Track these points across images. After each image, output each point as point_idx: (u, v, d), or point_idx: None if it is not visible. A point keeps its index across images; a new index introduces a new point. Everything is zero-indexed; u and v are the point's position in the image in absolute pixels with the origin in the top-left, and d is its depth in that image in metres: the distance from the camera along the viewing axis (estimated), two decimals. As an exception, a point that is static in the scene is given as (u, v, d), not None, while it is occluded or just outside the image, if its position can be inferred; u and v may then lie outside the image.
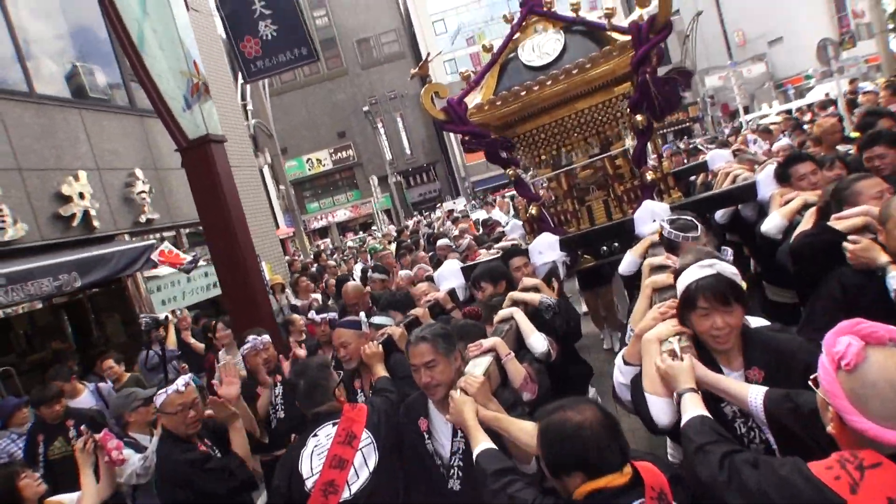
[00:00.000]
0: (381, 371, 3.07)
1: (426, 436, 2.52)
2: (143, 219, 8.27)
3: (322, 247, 22.02)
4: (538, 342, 2.98)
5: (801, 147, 6.56)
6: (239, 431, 3.07)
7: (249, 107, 19.18)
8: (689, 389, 1.81)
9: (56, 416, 4.51)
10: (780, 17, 38.86)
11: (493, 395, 2.34)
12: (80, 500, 2.90)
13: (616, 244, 4.28)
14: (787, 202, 3.30)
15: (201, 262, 8.60)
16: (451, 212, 20.49)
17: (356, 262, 12.48)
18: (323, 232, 39.24)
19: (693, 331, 2.03)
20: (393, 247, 11.81)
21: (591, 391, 3.70)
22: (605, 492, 1.55)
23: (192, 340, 6.48)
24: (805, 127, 9.76)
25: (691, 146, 13.81)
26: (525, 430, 2.03)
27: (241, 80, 15.89)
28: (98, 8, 5.81)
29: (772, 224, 3.24)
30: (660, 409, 1.94)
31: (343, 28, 40.19)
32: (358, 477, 2.40)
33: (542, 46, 4.51)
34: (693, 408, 1.76)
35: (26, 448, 4.51)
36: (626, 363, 2.27)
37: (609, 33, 4.29)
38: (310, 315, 4.57)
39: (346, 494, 2.37)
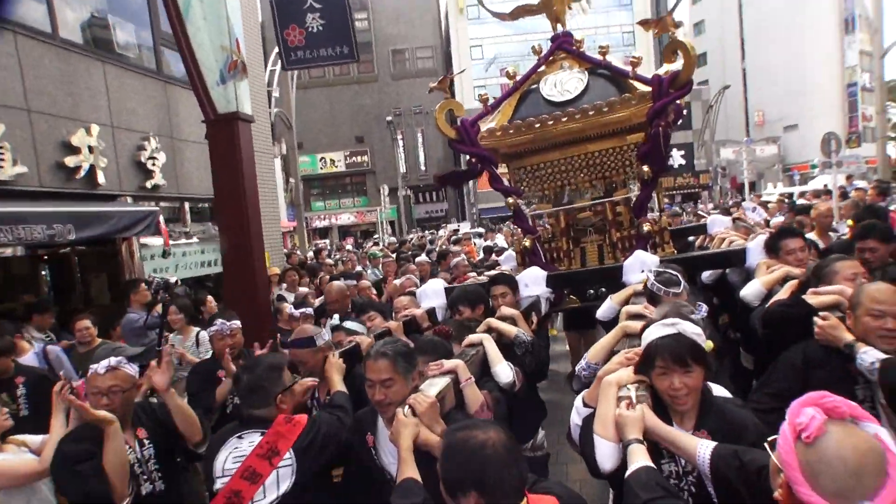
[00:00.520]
0: (338, 384, 2.89)
1: (373, 451, 2.47)
2: (149, 184, 8.15)
3: (322, 245, 21.98)
4: (504, 372, 2.92)
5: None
6: (112, 438, 2.55)
7: (276, 94, 19.30)
8: (636, 440, 1.80)
9: (6, 369, 4.18)
10: (799, 106, 40.32)
11: (445, 417, 2.29)
12: (47, 442, 2.89)
13: (603, 289, 4.27)
14: (771, 272, 3.35)
15: (194, 240, 8.51)
16: (455, 231, 20.56)
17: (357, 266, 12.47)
18: (323, 232, 39.23)
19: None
20: (394, 257, 11.85)
21: (541, 434, 3.62)
22: None
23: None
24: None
25: (698, 212, 14.08)
26: None
27: (270, 66, 16.12)
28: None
29: (751, 290, 3.30)
30: (605, 454, 1.91)
31: (381, 35, 40.64)
32: (265, 496, 2.25)
33: (564, 83, 4.55)
34: (639, 459, 1.74)
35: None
36: (584, 405, 2.24)
37: (631, 81, 4.34)
38: (287, 309, 4.51)
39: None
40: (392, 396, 2.36)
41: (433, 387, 2.39)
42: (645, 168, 4.18)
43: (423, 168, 40.70)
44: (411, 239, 19.39)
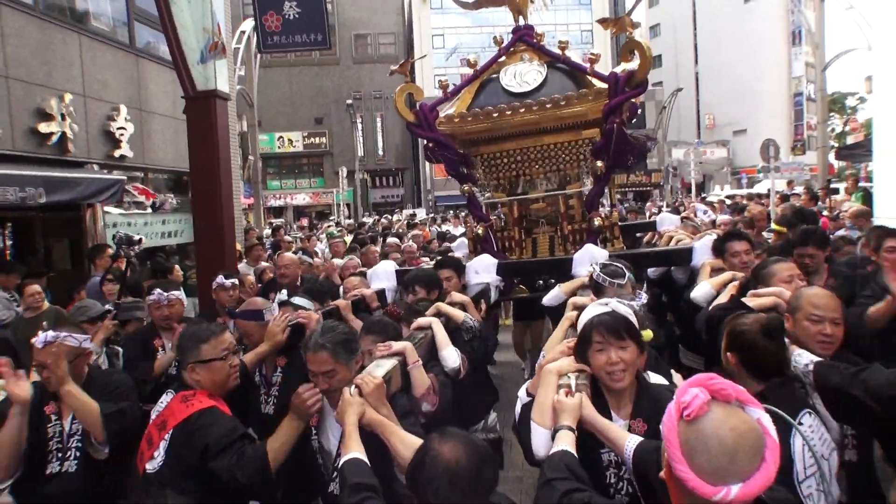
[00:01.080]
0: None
1: (313, 431, 2.45)
2: (117, 154, 8.40)
3: (279, 223, 21.56)
4: (451, 357, 2.95)
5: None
6: (11, 417, 2.46)
7: (241, 72, 18.83)
8: (567, 427, 1.84)
9: None
10: (748, 112, 42.09)
11: (390, 399, 2.29)
12: None
13: (552, 280, 4.34)
14: (714, 273, 3.47)
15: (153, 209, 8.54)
16: (413, 215, 20.61)
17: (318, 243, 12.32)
18: (278, 211, 38.53)
19: (592, 371, 2.06)
20: (349, 238, 11.76)
21: (492, 416, 3.70)
22: None
23: None
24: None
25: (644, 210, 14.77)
26: (406, 443, 1.98)
27: (234, 44, 15.79)
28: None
29: (701, 292, 3.38)
30: (540, 441, 1.94)
31: (344, 19, 39.97)
32: (154, 458, 2.27)
33: (523, 75, 4.58)
34: (561, 444, 1.78)
35: None
36: (528, 394, 2.27)
37: (589, 77, 4.40)
38: (218, 279, 4.35)
39: (148, 466, 2.27)
40: (336, 385, 2.34)
41: (380, 368, 2.39)
42: (598, 163, 4.25)
43: (380, 153, 40.47)
44: (370, 223, 19.27)
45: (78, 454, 2.63)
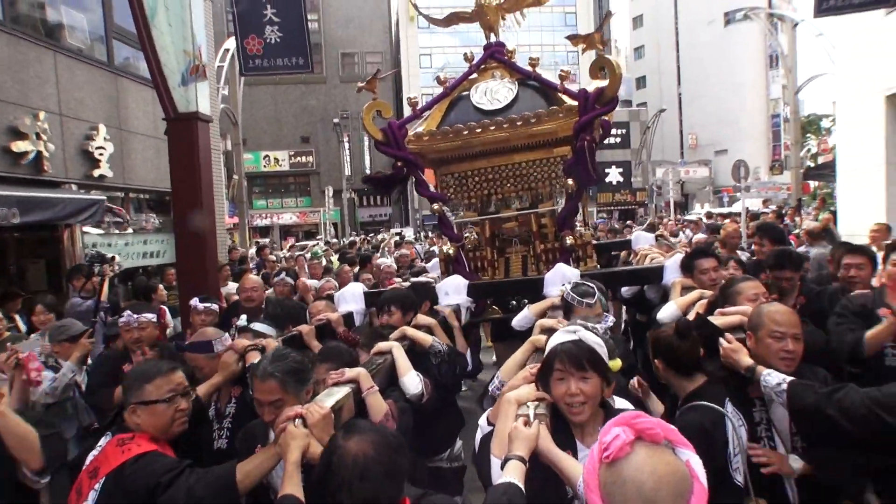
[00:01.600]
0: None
1: None
2: (96, 174, 8.32)
3: (264, 243, 21.35)
4: (412, 382, 2.82)
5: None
6: None
7: (224, 91, 18.78)
8: (517, 457, 1.72)
9: None
10: (729, 132, 43.04)
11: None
12: None
13: (525, 300, 4.25)
14: (686, 291, 3.41)
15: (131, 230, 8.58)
16: (400, 234, 20.60)
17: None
18: (264, 231, 38.26)
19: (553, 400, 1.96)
20: (335, 258, 11.63)
21: (458, 443, 3.56)
22: None
23: None
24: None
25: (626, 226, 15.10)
26: None
27: (218, 63, 15.77)
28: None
29: (667, 313, 3.34)
30: (498, 474, 1.81)
31: (331, 37, 40.16)
32: None
33: (494, 92, 4.52)
34: (509, 475, 1.67)
35: None
36: (489, 423, 2.15)
37: (560, 94, 4.35)
38: (191, 302, 4.25)
39: None
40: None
41: (331, 397, 2.26)
42: (570, 181, 4.18)
43: (368, 171, 40.34)
44: (356, 242, 19.15)
45: None
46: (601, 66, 4.06)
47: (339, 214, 35.86)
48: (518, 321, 3.58)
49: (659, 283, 3.95)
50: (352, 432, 1.57)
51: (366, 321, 4.37)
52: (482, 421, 2.21)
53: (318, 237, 27.58)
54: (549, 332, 2.71)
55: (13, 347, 3.28)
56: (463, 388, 6.10)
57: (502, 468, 1.73)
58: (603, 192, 39.55)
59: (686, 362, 2.41)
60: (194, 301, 4.22)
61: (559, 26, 43.37)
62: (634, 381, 2.77)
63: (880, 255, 6.02)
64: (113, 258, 6.71)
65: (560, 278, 3.91)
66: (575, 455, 1.91)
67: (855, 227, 10.65)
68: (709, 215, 18.45)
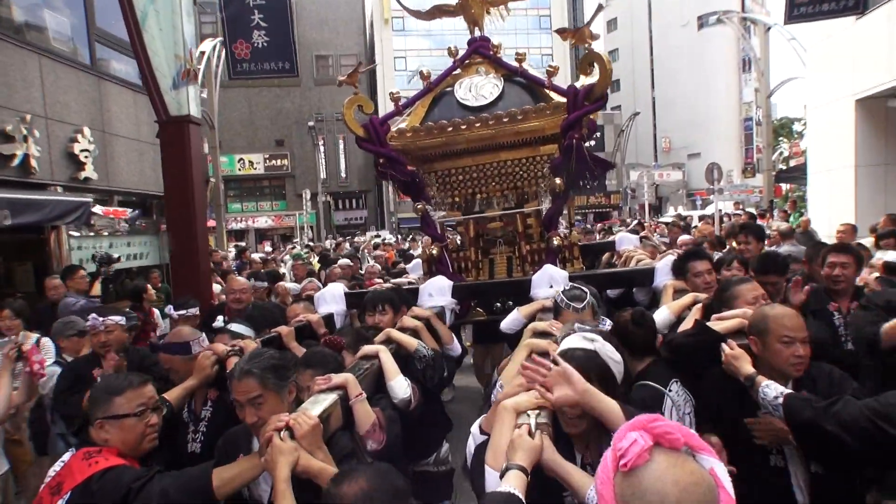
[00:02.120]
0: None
1: None
2: (81, 176, 8.31)
3: (241, 246, 20.96)
4: (400, 387, 2.67)
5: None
6: None
7: (203, 94, 18.43)
8: (519, 467, 1.59)
9: None
10: (702, 136, 43.79)
11: (330, 440, 2.01)
12: None
13: (510, 302, 4.13)
14: (678, 294, 3.30)
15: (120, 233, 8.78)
16: (378, 236, 20.52)
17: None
18: (239, 234, 37.67)
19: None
20: (315, 260, 11.44)
21: (445, 447, 3.42)
22: None
23: None
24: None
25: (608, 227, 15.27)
26: None
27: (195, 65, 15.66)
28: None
29: (660, 318, 3.17)
30: (493, 487, 1.69)
31: (305, 39, 39.53)
32: None
33: (479, 88, 4.40)
34: (508, 484, 1.55)
35: None
36: (482, 431, 2.02)
37: (547, 91, 4.24)
38: (166, 310, 4.08)
39: None
40: (266, 416, 2.06)
41: (317, 405, 2.11)
42: (557, 180, 4.07)
43: (343, 175, 40.10)
44: (333, 245, 18.95)
45: None
46: (591, 62, 3.96)
47: (314, 218, 35.54)
48: (507, 324, 3.46)
49: (649, 286, 3.85)
50: (341, 479, 1.47)
51: (347, 323, 4.20)
52: (474, 429, 2.07)
53: (295, 240, 27.22)
54: (543, 335, 2.61)
55: (15, 340, 3.34)
56: (448, 398, 5.97)
57: (501, 478, 1.60)
58: (578, 194, 39.85)
59: (639, 346, 2.70)
60: (169, 309, 4.04)
61: (533, 29, 43.60)
62: None
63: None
64: (119, 258, 7.25)
65: (547, 280, 3.80)
66: None
67: (825, 227, 10.87)
68: (679, 217, 18.65)
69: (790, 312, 2.30)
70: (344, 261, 8.27)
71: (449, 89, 4.50)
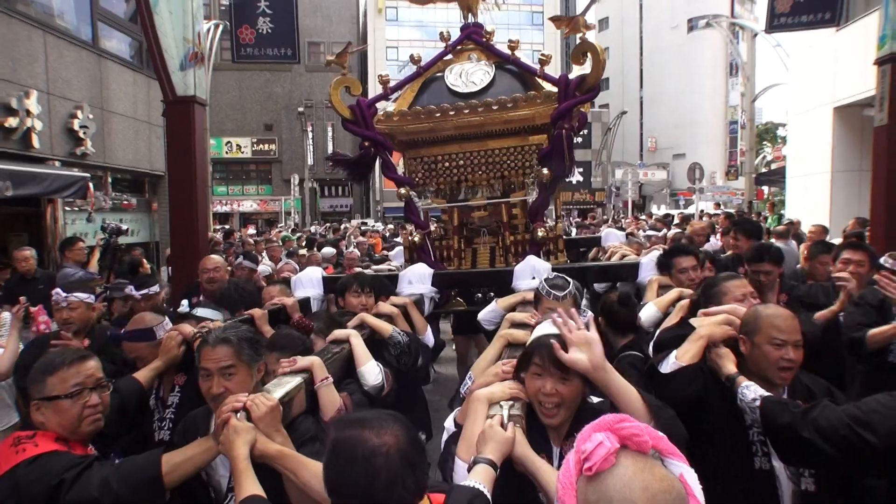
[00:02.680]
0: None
1: None
2: (79, 151, 8.57)
3: (229, 228, 20.67)
4: (371, 373, 2.59)
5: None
6: None
7: None
8: (488, 461, 1.53)
9: None
10: (687, 137, 44.15)
11: (291, 424, 1.94)
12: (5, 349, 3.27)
13: (492, 293, 4.07)
14: (663, 290, 3.25)
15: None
16: (364, 223, 20.48)
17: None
18: (224, 217, 37.28)
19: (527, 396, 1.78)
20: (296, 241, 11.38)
21: (420, 436, 3.36)
22: None
23: None
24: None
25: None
26: (317, 475, 1.62)
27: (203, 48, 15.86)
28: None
29: (646, 315, 3.11)
30: (464, 478, 1.63)
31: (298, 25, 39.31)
32: None
33: (470, 74, 4.32)
34: (475, 478, 1.49)
35: None
36: (456, 424, 1.95)
37: (538, 80, 4.18)
38: (126, 290, 3.95)
39: None
40: (234, 388, 1.99)
41: (279, 387, 2.03)
42: (545, 171, 4.01)
43: (330, 162, 39.81)
44: (319, 231, 18.81)
45: None
46: (584, 52, 3.90)
47: (300, 203, 35.32)
48: (485, 315, 3.38)
49: (633, 281, 3.80)
50: (369, 423, 1.34)
51: (323, 307, 4.12)
52: (448, 422, 2.01)
53: (280, 225, 26.98)
54: (521, 326, 2.55)
55: (22, 300, 3.56)
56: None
57: (469, 471, 1.54)
58: (563, 190, 39.86)
59: (623, 324, 3.10)
60: (129, 289, 3.91)
61: (525, 25, 43.55)
62: None
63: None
64: (128, 230, 7.67)
65: (530, 271, 3.74)
66: (550, 459, 1.74)
67: (800, 229, 11.07)
68: (666, 216, 18.72)
69: (784, 313, 2.20)
70: (327, 249, 8.17)
71: (439, 74, 4.41)
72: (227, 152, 38.47)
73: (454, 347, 6.45)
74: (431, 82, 4.43)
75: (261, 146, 39.10)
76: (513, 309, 3.19)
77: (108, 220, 7.57)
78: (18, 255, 6.24)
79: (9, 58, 7.43)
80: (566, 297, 2.70)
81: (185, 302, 3.60)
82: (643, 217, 18.75)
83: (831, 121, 12.53)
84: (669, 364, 2.21)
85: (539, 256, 4.05)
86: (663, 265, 3.56)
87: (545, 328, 1.83)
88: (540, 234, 4.06)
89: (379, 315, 3.14)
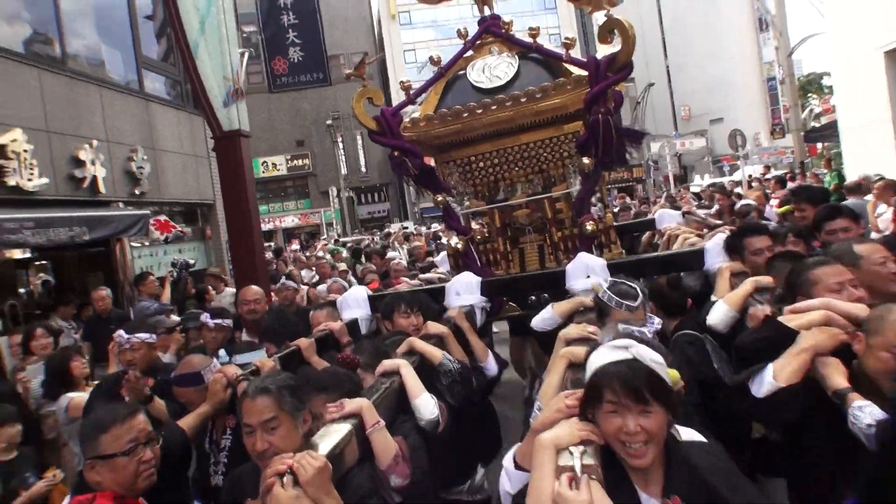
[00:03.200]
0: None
1: None
2: (137, 191, 9.20)
3: (277, 247, 20.87)
4: (426, 406, 2.36)
5: (718, 217, 6.35)
6: None
7: None
8: None
9: None
10: (722, 100, 42.42)
11: (343, 479, 1.76)
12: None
13: (546, 295, 3.84)
14: (734, 276, 2.91)
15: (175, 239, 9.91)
16: (405, 227, 20.40)
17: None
18: (268, 235, 38.07)
19: (602, 437, 1.52)
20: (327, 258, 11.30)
21: (480, 472, 3.11)
22: None
23: None
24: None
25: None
26: None
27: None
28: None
29: (718, 316, 2.65)
30: None
31: (316, 40, 39.81)
32: None
33: (493, 69, 4.11)
34: None
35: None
36: (516, 466, 1.72)
37: (566, 65, 3.94)
38: (202, 317, 3.96)
39: None
40: (279, 443, 1.84)
41: (327, 438, 1.85)
42: (585, 160, 3.77)
43: (363, 170, 40.37)
44: (364, 240, 18.78)
45: None
46: (610, 29, 3.64)
47: (339, 214, 35.88)
48: (540, 322, 3.13)
49: (700, 269, 3.42)
50: None
51: (373, 327, 3.97)
52: (507, 462, 1.76)
53: (323, 237, 27.22)
54: (579, 342, 2.30)
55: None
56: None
57: None
58: (614, 168, 38.93)
59: (674, 306, 3.20)
60: (204, 316, 3.93)
61: (538, 10, 42.87)
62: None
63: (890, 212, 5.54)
64: (195, 263, 8.43)
65: (584, 270, 3.51)
66: None
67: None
68: (712, 185, 17.69)
69: None
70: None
71: (462, 73, 4.22)
72: (263, 172, 39.36)
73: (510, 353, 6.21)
74: (454, 82, 4.25)
75: (295, 162, 39.95)
76: (570, 316, 2.95)
77: (176, 257, 8.49)
78: (96, 296, 6.68)
79: (73, 115, 8.15)
80: (638, 308, 2.41)
81: (222, 352, 3.51)
82: (687, 190, 17.72)
83: (884, 66, 11.73)
84: (765, 384, 1.90)
85: (591, 251, 3.82)
86: (733, 248, 3.16)
87: (605, 355, 1.56)
88: (589, 227, 3.82)
89: (428, 337, 2.95)
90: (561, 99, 3.81)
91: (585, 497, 1.30)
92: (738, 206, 6.22)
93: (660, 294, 3.18)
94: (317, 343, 3.28)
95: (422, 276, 5.44)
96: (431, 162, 4.43)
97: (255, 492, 1.88)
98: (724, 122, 41.14)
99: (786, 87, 30.97)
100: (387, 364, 2.48)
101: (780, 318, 2.14)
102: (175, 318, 5.06)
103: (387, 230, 20.99)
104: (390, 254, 9.26)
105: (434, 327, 3.04)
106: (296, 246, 21.19)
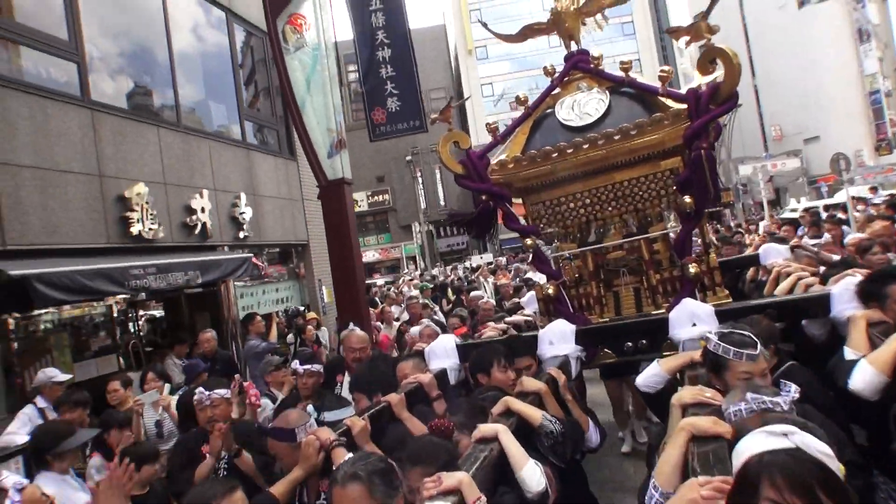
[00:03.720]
0: None
1: None
2: (241, 235, 9.76)
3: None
4: (532, 478, 2.16)
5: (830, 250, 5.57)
6: None
7: None
8: None
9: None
10: (817, 117, 39.77)
11: None
12: None
13: (644, 341, 3.59)
14: (872, 326, 2.55)
15: (271, 278, 10.65)
16: (490, 263, 20.22)
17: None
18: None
19: None
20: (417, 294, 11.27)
21: None
22: None
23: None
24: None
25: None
26: None
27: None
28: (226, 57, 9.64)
29: (863, 380, 2.32)
30: None
31: (396, 80, 41.20)
32: None
33: (583, 105, 3.97)
34: None
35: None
36: None
37: (662, 99, 3.74)
38: (293, 365, 4.00)
39: None
40: None
41: None
42: (686, 199, 3.52)
43: (442, 203, 40.95)
44: (437, 275, 18.79)
45: None
46: (712, 58, 3.43)
47: (419, 248, 36.38)
48: (645, 381, 2.83)
49: (825, 317, 3.05)
50: None
51: (461, 377, 3.84)
52: None
53: (404, 272, 27.56)
54: (695, 408, 2.06)
55: (236, 378, 3.96)
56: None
57: None
58: (711, 207, 37.30)
59: (767, 339, 2.59)
60: (295, 364, 4.01)
61: (617, 37, 42.42)
62: None
63: None
64: (307, 307, 9.61)
65: (688, 317, 3.25)
66: None
67: None
68: (807, 209, 16.25)
69: None
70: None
71: (549, 111, 4.10)
72: (346, 209, 40.74)
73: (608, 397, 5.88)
74: (542, 120, 4.13)
75: (375, 198, 41.16)
76: (679, 372, 2.70)
77: (289, 305, 9.51)
78: (202, 337, 7.02)
79: (188, 167, 8.83)
80: (759, 358, 2.19)
81: (310, 408, 3.47)
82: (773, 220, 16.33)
83: None
84: None
85: (694, 296, 3.54)
86: (869, 294, 2.79)
87: (760, 441, 1.34)
88: (692, 270, 3.55)
89: (524, 395, 2.77)
90: (658, 135, 3.62)
91: None
92: (849, 237, 5.60)
93: (771, 336, 2.65)
94: (406, 397, 3.19)
95: (508, 318, 5.26)
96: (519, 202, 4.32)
97: None
98: (820, 140, 38.70)
99: (892, 99, 28.77)
100: (484, 430, 2.32)
101: None
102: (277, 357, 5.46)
103: (473, 263, 20.87)
104: (476, 293, 9.13)
105: (531, 384, 2.87)
106: (381, 281, 21.45)
